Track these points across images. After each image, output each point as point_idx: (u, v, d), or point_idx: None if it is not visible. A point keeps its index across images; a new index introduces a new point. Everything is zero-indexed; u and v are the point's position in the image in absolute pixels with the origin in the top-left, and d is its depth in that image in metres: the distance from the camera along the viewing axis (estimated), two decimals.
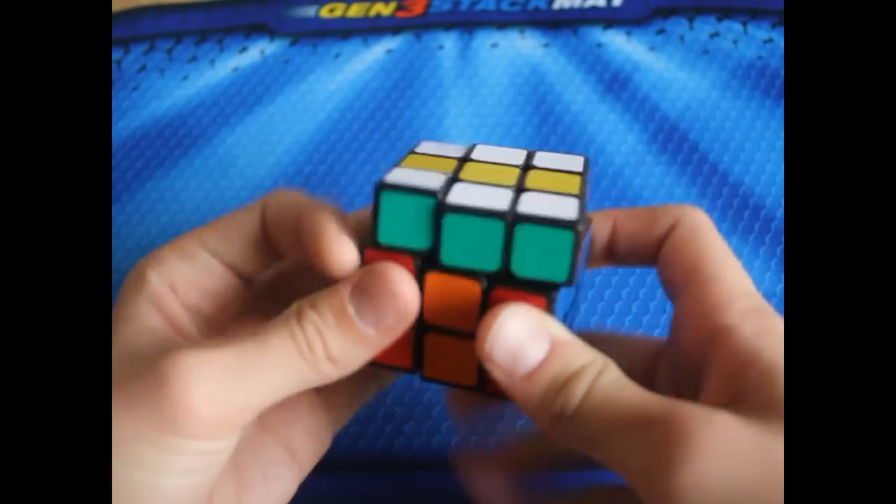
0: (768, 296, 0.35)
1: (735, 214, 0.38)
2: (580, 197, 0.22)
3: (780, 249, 0.37)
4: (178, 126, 0.44)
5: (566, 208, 0.21)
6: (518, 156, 0.25)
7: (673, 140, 0.41)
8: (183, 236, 0.24)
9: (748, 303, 0.21)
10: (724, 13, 0.47)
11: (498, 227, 0.21)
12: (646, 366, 0.26)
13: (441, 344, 0.23)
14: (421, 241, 0.21)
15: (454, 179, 0.22)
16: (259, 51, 0.48)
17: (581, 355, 0.20)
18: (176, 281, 0.24)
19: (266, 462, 0.25)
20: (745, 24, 0.46)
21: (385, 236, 0.22)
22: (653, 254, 0.25)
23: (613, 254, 0.26)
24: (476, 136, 0.42)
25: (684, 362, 0.23)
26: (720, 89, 0.43)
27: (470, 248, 0.21)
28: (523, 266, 0.21)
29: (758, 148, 0.41)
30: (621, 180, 0.40)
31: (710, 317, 0.21)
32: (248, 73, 0.46)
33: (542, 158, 0.25)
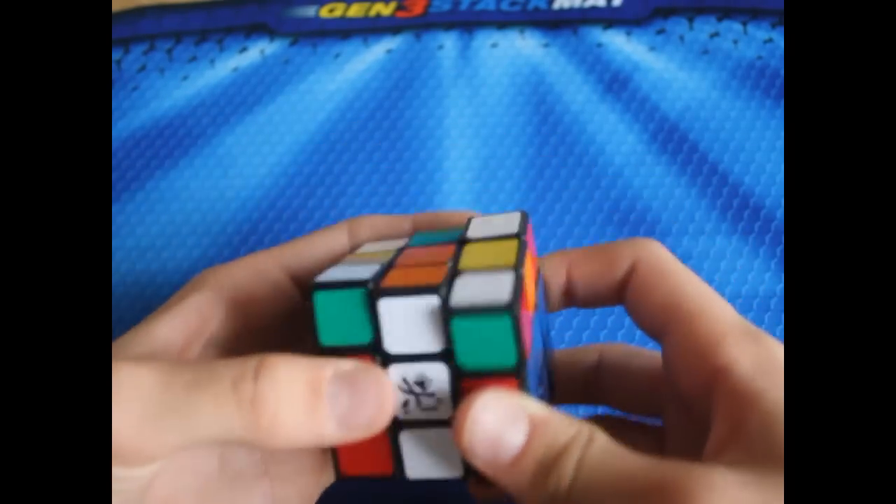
0: (768, 296, 0.35)
1: (735, 214, 0.38)
2: (515, 268, 0.21)
3: (780, 249, 0.37)
4: (178, 126, 0.44)
5: (499, 289, 0.20)
6: (453, 229, 0.25)
7: (673, 140, 0.41)
8: (258, 253, 0.25)
9: (739, 333, 0.21)
10: (724, 13, 0.47)
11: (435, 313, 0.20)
12: (651, 388, 0.26)
13: (420, 438, 0.22)
14: (363, 335, 0.21)
15: (389, 266, 0.22)
16: (259, 51, 0.48)
17: (565, 430, 0.20)
18: (235, 294, 0.24)
19: (267, 497, 0.24)
20: (745, 24, 0.46)
21: (327, 338, 0.21)
22: (616, 295, 0.24)
23: (573, 297, 0.25)
24: (476, 136, 0.42)
25: (687, 400, 0.23)
26: (720, 89, 0.43)
27: (410, 334, 0.21)
28: (468, 357, 0.20)
29: (758, 148, 0.41)
30: (621, 180, 0.40)
31: (706, 357, 0.21)
32: (248, 73, 0.46)
33: (476, 227, 0.24)
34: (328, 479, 0.25)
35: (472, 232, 0.24)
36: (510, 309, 0.19)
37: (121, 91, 0.46)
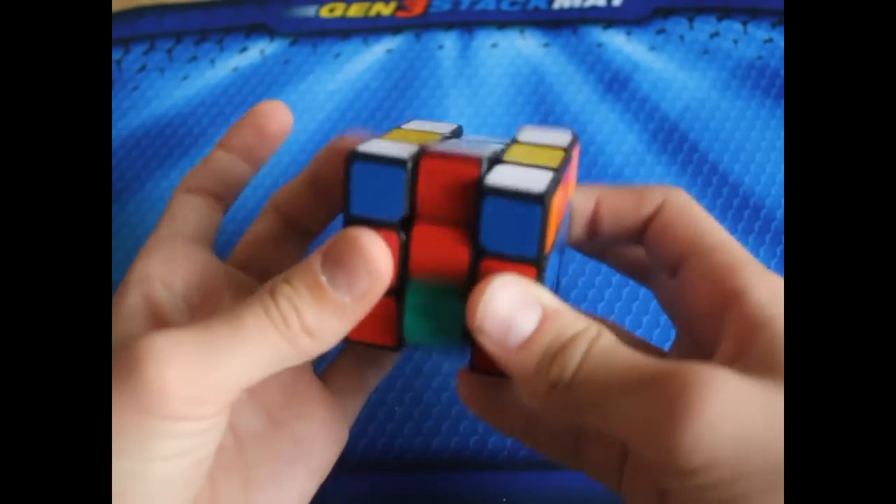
0: None
1: (735, 214, 0.38)
2: (557, 170, 0.21)
3: (780, 249, 0.37)
4: (178, 126, 0.44)
5: (537, 181, 0.20)
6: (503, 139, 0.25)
7: (673, 140, 0.41)
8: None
9: (757, 266, 0.22)
10: (724, 13, 0.47)
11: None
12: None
13: (427, 305, 0.22)
14: (393, 211, 0.21)
15: (427, 149, 0.22)
16: (259, 51, 0.48)
17: (574, 323, 0.20)
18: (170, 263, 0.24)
19: (277, 460, 0.24)
20: (745, 24, 0.46)
21: (357, 208, 0.21)
22: (638, 232, 0.25)
23: (596, 231, 0.26)
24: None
25: (694, 328, 0.23)
26: (720, 89, 0.43)
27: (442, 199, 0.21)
28: (492, 239, 0.21)
29: (758, 148, 0.41)
30: (621, 180, 0.40)
31: (724, 280, 0.22)
32: (248, 73, 0.46)
33: (528, 133, 0.25)
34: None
35: (523, 137, 0.24)
36: (542, 200, 0.20)
37: (121, 91, 0.46)
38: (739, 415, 0.18)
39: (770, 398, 0.18)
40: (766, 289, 0.21)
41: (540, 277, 0.21)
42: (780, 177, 0.39)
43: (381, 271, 0.21)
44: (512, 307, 0.20)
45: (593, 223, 0.25)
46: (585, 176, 0.40)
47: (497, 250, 0.21)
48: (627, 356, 0.19)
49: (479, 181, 0.21)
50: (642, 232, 0.25)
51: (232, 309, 0.20)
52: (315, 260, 0.21)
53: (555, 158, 0.23)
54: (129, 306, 0.23)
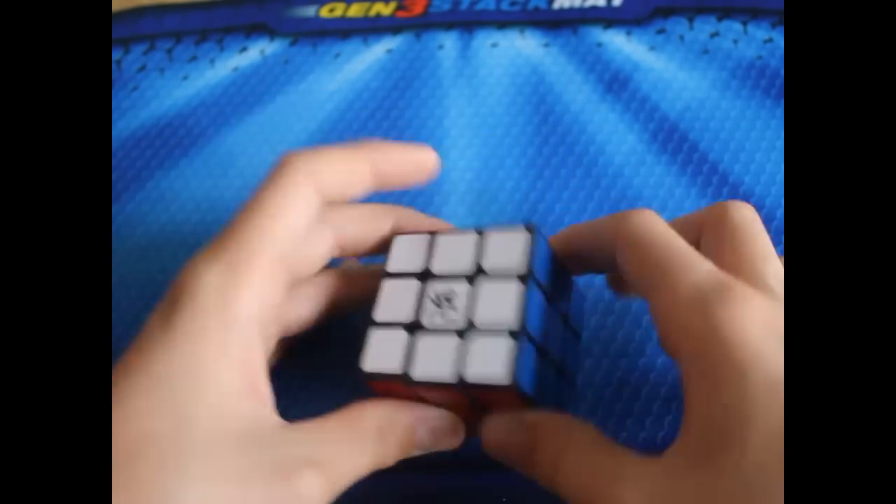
0: None
1: None
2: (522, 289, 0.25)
3: (780, 249, 0.37)
4: (178, 126, 0.44)
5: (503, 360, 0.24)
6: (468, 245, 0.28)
7: (673, 140, 0.41)
8: None
9: (687, 307, 0.22)
10: (724, 13, 0.47)
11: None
12: None
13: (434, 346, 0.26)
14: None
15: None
16: (259, 51, 0.48)
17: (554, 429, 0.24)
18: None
19: None
20: (745, 24, 0.46)
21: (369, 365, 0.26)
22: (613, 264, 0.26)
23: (581, 266, 0.28)
24: (476, 136, 0.42)
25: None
26: (720, 89, 0.43)
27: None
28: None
29: (758, 148, 0.41)
30: (621, 180, 0.40)
31: (666, 336, 0.23)
32: (248, 72, 0.46)
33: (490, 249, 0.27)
34: None
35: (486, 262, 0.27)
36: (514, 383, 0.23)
37: (121, 91, 0.46)
38: None
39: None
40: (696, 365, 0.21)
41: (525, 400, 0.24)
42: (780, 177, 0.39)
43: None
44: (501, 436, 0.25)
45: (575, 262, 0.27)
46: (585, 176, 0.40)
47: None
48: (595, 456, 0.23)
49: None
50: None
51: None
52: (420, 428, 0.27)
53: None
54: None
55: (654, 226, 0.24)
